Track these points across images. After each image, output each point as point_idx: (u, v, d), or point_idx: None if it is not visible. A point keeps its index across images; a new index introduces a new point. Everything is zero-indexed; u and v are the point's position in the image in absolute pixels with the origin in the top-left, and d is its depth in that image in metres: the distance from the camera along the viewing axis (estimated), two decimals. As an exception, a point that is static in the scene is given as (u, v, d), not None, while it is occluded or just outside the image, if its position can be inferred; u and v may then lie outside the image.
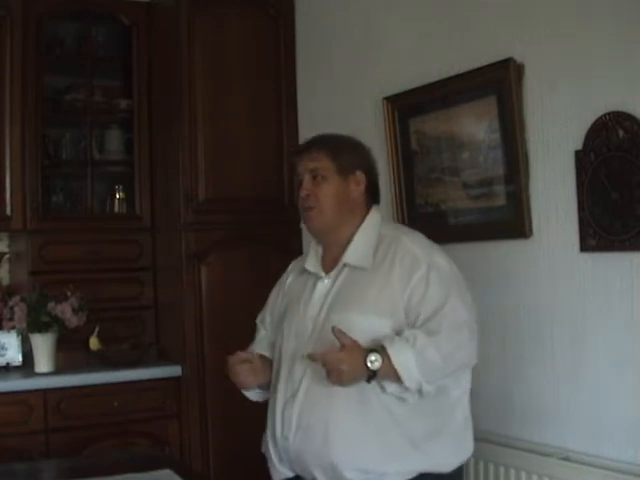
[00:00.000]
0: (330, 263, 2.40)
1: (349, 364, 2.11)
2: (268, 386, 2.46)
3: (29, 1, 3.82)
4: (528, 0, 2.79)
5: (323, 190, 2.36)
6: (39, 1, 3.86)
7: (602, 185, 2.52)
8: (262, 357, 2.49)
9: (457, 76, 3.01)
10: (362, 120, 3.52)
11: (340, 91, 3.77)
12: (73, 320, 3.61)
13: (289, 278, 2.56)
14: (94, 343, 3.80)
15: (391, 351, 2.11)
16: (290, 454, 2.30)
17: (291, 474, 2.35)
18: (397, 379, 2.13)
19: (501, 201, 2.91)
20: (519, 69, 2.78)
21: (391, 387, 2.17)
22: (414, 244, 2.30)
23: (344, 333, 2.16)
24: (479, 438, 2.85)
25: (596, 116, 2.53)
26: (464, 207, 3.06)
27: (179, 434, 3.79)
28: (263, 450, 2.46)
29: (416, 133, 3.26)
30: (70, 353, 3.78)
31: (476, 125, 2.96)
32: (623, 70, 2.46)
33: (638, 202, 2.41)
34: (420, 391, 2.16)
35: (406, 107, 3.29)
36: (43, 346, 3.63)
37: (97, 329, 3.81)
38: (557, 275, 2.72)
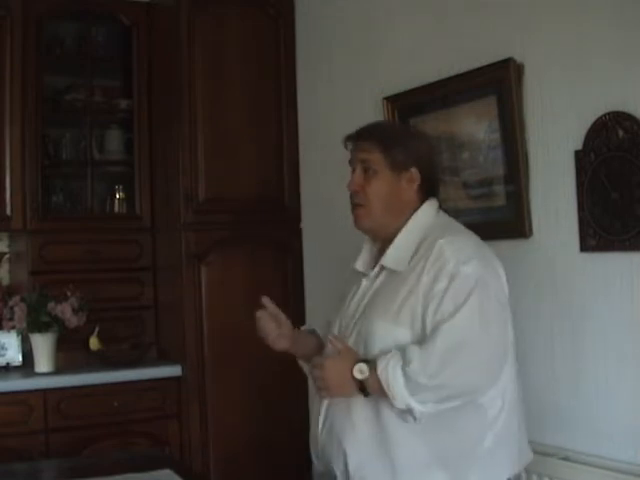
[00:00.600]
0: (378, 262, 2.29)
1: (333, 371, 2.08)
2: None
3: (29, 1, 3.83)
4: (528, 0, 2.79)
5: (373, 187, 2.22)
6: (39, 1, 3.86)
7: (602, 185, 2.52)
8: (306, 332, 2.48)
9: (457, 76, 3.02)
10: (362, 120, 3.49)
11: (340, 91, 3.77)
12: (73, 320, 3.61)
13: (350, 277, 2.43)
14: (94, 343, 3.80)
15: (379, 364, 2.03)
16: (319, 449, 2.26)
17: (322, 469, 2.31)
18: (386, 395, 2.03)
19: (501, 201, 2.91)
20: (519, 69, 2.78)
21: (393, 405, 2.05)
22: (449, 248, 2.10)
23: (339, 339, 2.14)
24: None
25: (596, 116, 2.53)
26: (464, 207, 3.06)
27: (179, 434, 3.79)
28: None
29: (416, 133, 3.26)
30: (70, 353, 3.78)
31: (476, 125, 2.96)
32: (623, 70, 2.45)
33: (638, 202, 2.41)
34: (411, 412, 2.02)
35: (406, 107, 3.29)
36: (43, 346, 3.63)
37: (97, 329, 3.81)
38: (557, 275, 2.72)
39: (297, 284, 4.02)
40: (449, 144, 3.09)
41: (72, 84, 4.07)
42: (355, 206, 2.27)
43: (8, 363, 3.76)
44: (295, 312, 3.97)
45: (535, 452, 2.69)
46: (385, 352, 2.08)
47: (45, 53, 3.91)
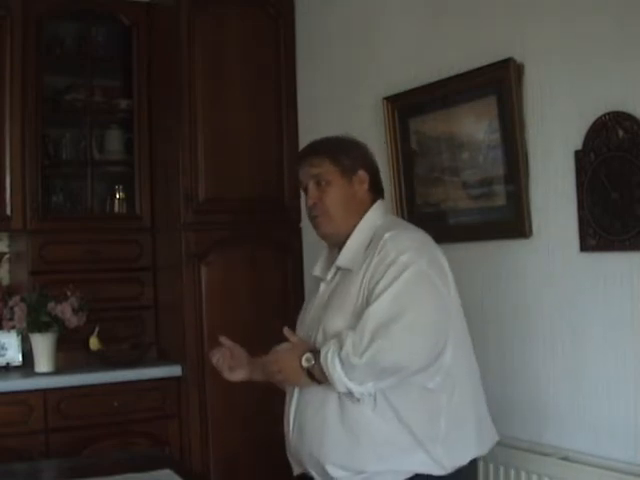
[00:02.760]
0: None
1: (283, 362, 2.19)
2: None
3: (29, 1, 3.83)
4: (528, 0, 2.79)
5: (330, 195, 2.34)
6: (39, 1, 3.86)
7: (602, 185, 2.52)
8: None
9: (457, 76, 3.02)
10: (362, 120, 3.52)
11: (340, 91, 3.77)
12: (73, 320, 3.61)
13: (310, 282, 2.60)
14: (94, 343, 3.80)
15: (322, 353, 2.12)
16: (291, 451, 2.33)
17: (301, 470, 2.36)
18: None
19: (501, 201, 2.91)
20: (519, 69, 2.78)
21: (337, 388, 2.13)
22: (392, 242, 2.21)
23: (291, 333, 2.25)
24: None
25: (596, 116, 2.53)
26: (464, 207, 3.06)
27: (179, 434, 3.79)
28: None
29: (416, 133, 3.26)
30: (70, 353, 3.78)
31: (476, 125, 2.96)
32: (623, 70, 2.46)
33: (638, 202, 2.41)
34: (351, 393, 2.10)
35: (406, 107, 3.29)
36: (43, 346, 3.63)
37: (97, 329, 3.81)
38: (557, 275, 2.72)
39: (297, 284, 4.02)
40: (449, 144, 3.09)
41: (72, 84, 4.07)
42: (315, 217, 2.38)
43: (8, 363, 3.76)
44: (295, 312, 3.97)
45: (535, 452, 2.70)
46: None
47: (45, 53, 3.91)
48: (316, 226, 2.39)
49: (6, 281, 4.04)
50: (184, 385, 3.80)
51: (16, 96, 3.79)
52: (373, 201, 2.39)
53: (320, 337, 2.25)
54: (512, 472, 2.72)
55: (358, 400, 2.12)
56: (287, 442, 2.34)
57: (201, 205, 3.84)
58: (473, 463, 2.29)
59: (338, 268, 2.33)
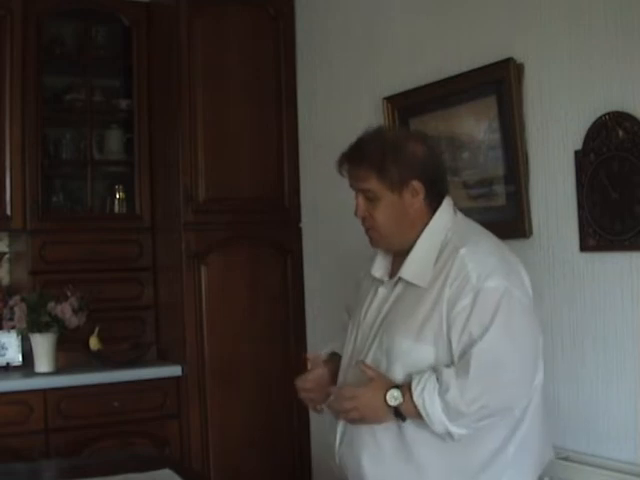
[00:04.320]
0: (395, 269, 2.23)
1: (366, 400, 2.04)
2: None
3: (29, 1, 3.83)
4: (528, 0, 2.79)
5: (379, 212, 2.17)
6: (39, 1, 3.87)
7: (602, 185, 2.52)
8: (334, 357, 2.39)
9: (457, 76, 3.01)
10: (362, 120, 3.51)
11: (340, 91, 3.77)
12: (73, 320, 3.61)
13: (364, 281, 2.37)
14: (94, 343, 3.80)
15: (414, 390, 1.99)
16: (337, 464, 2.24)
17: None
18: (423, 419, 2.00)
19: (501, 201, 2.91)
20: (519, 69, 2.78)
21: (428, 427, 2.02)
22: (472, 260, 2.05)
23: (369, 367, 2.09)
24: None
25: (596, 116, 2.53)
26: (464, 207, 3.05)
27: (179, 434, 3.79)
28: None
29: (416, 133, 3.26)
30: (70, 353, 3.78)
31: (476, 125, 2.96)
32: (623, 70, 2.45)
33: (638, 202, 2.41)
34: (450, 435, 2.00)
35: (406, 107, 3.29)
36: (43, 346, 3.63)
37: (97, 329, 3.80)
38: (557, 275, 2.72)
39: (297, 284, 4.02)
40: (449, 144, 3.09)
41: (72, 84, 4.07)
42: (366, 230, 2.23)
43: (8, 363, 3.76)
44: (295, 312, 3.99)
45: (535, 452, 2.70)
46: (411, 372, 2.05)
47: (45, 53, 3.91)
48: (369, 240, 2.24)
49: (6, 281, 4.04)
50: (184, 385, 3.80)
51: (16, 96, 3.79)
52: (435, 207, 2.20)
53: (379, 352, 2.13)
54: (512, 472, 2.71)
55: (453, 440, 2.01)
56: (333, 451, 2.24)
57: (201, 205, 3.84)
58: None
59: (400, 278, 2.17)
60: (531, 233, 2.80)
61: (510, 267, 2.12)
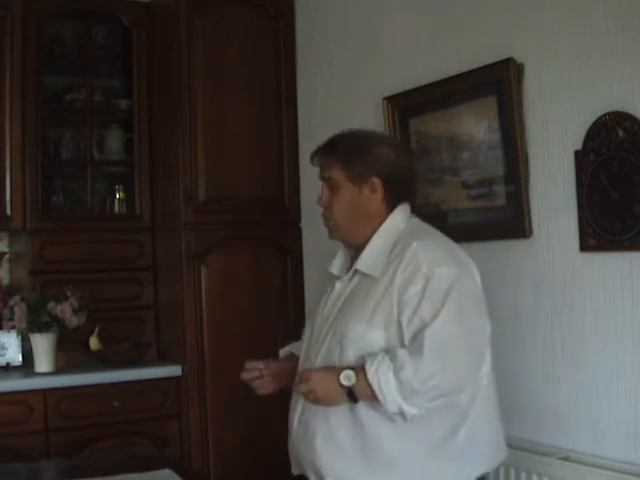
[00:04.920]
0: (352, 265, 2.32)
1: (321, 382, 2.10)
2: None
3: (29, 1, 3.83)
4: (528, 0, 2.79)
5: (337, 202, 2.28)
6: (39, 1, 3.87)
7: (602, 185, 2.52)
8: (285, 360, 2.52)
9: (457, 76, 3.01)
10: (362, 120, 3.51)
11: (340, 91, 3.77)
12: (73, 320, 3.61)
13: (325, 279, 2.48)
14: (94, 343, 3.80)
15: (369, 370, 2.05)
16: (293, 454, 2.31)
17: (299, 471, 2.34)
18: (376, 399, 2.05)
19: (501, 201, 2.91)
20: (519, 69, 2.78)
21: (380, 408, 2.08)
22: (423, 252, 2.14)
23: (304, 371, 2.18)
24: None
25: (596, 116, 2.53)
26: (464, 207, 3.06)
27: (179, 434, 3.79)
28: None
29: (416, 133, 3.26)
30: (70, 353, 3.78)
31: (476, 125, 2.96)
32: (623, 70, 2.45)
33: (638, 202, 2.41)
34: (403, 414, 2.06)
35: (406, 107, 3.29)
36: (43, 346, 3.63)
37: (97, 329, 3.80)
38: (557, 275, 2.72)
39: (297, 284, 4.02)
40: (449, 144, 3.09)
41: (72, 84, 4.07)
42: (326, 220, 2.34)
43: (8, 363, 3.76)
44: (295, 312, 3.98)
45: (535, 452, 2.70)
46: (362, 355, 2.11)
47: (45, 53, 3.91)
48: (328, 231, 2.35)
49: (6, 281, 4.04)
50: (184, 385, 3.80)
51: (16, 96, 3.79)
52: (392, 206, 2.29)
53: (334, 340, 2.20)
54: (512, 472, 2.72)
55: (405, 420, 2.07)
56: (289, 441, 2.32)
57: (201, 205, 3.84)
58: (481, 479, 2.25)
59: (356, 271, 2.26)
60: (531, 233, 2.80)
61: (460, 260, 2.22)
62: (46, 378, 3.59)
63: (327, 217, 2.32)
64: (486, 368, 2.21)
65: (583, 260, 2.62)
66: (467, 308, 2.12)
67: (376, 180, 2.27)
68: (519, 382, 2.85)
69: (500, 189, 2.91)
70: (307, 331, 2.39)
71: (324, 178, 2.31)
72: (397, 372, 2.02)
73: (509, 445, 2.76)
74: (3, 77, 3.78)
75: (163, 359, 3.99)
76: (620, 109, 2.46)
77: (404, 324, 2.10)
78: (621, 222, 2.46)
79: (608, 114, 2.49)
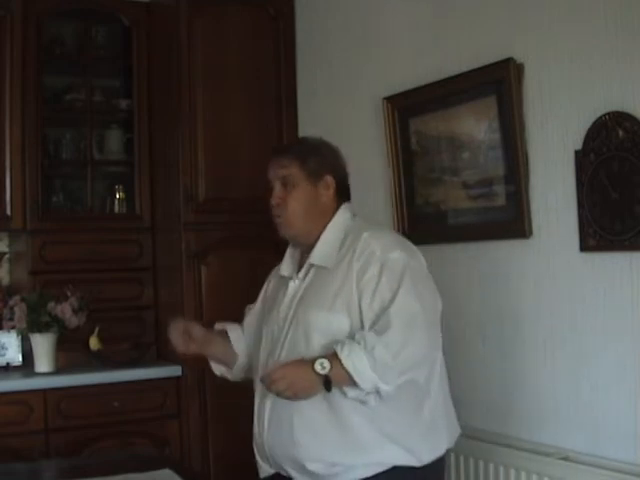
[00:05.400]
0: (303, 264, 2.43)
1: (296, 375, 2.13)
2: (222, 360, 2.65)
3: (29, 1, 3.82)
4: (528, 0, 2.79)
5: (293, 198, 2.39)
6: (39, 1, 3.86)
7: (602, 185, 2.52)
8: (222, 334, 2.62)
9: (457, 76, 3.01)
10: (362, 120, 3.53)
11: (340, 91, 3.77)
12: (73, 320, 3.61)
13: (271, 283, 2.60)
14: (94, 343, 3.80)
15: (342, 355, 2.11)
16: (265, 451, 2.35)
17: (272, 471, 2.38)
18: (352, 382, 2.12)
19: (501, 201, 2.91)
20: (519, 69, 2.78)
21: (351, 392, 2.16)
22: (374, 240, 2.28)
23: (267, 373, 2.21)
24: (479, 438, 2.86)
25: (596, 116, 2.53)
26: (464, 207, 3.06)
27: (179, 434, 3.79)
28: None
29: (416, 133, 3.26)
30: (70, 353, 3.78)
31: (476, 125, 2.96)
32: (623, 70, 2.46)
33: (638, 202, 2.41)
34: (378, 392, 2.14)
35: (406, 107, 3.29)
36: (43, 346, 3.63)
37: (97, 329, 3.80)
38: (557, 275, 2.72)
39: (297, 284, 4.02)
40: (449, 144, 3.09)
41: (72, 84, 4.07)
42: (275, 217, 2.45)
43: (8, 363, 3.76)
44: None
45: (535, 452, 2.71)
46: (328, 342, 2.20)
47: (45, 53, 3.91)
48: (278, 227, 2.46)
49: (6, 281, 4.04)
50: (184, 385, 3.80)
51: (16, 96, 3.79)
52: (338, 204, 2.42)
53: (298, 332, 2.28)
54: (512, 472, 2.72)
55: (380, 398, 2.15)
56: (259, 442, 2.36)
57: (201, 205, 3.84)
58: (444, 454, 2.36)
59: (311, 265, 2.36)
60: (531, 233, 2.80)
61: (408, 246, 2.34)
62: (46, 378, 3.59)
63: (279, 214, 2.43)
64: (439, 345, 2.31)
65: (583, 260, 2.62)
66: (421, 287, 2.24)
67: (329, 178, 2.40)
68: (519, 382, 2.85)
69: (500, 189, 2.91)
70: (267, 335, 2.42)
71: (278, 177, 2.44)
72: (370, 352, 2.10)
73: (510, 445, 2.78)
74: (3, 77, 3.78)
75: (163, 359, 3.99)
76: (620, 109, 2.46)
77: (364, 307, 2.21)
78: (621, 222, 2.46)
79: (608, 114, 2.49)
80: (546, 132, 2.73)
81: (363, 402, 2.18)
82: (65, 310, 3.59)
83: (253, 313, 2.64)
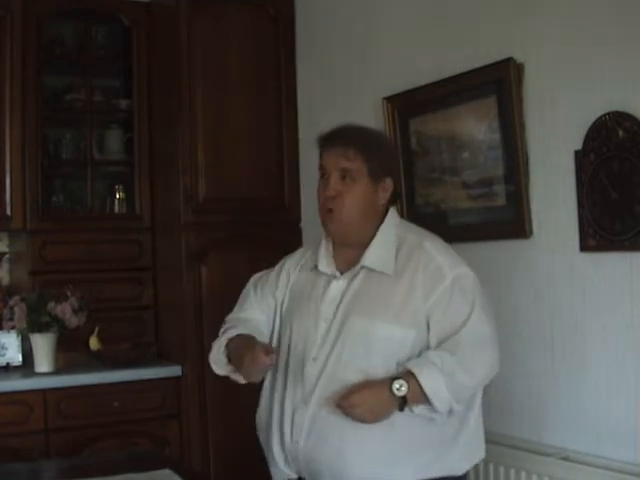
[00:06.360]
0: (344, 263, 2.30)
1: (375, 399, 2.09)
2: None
3: (29, 1, 3.83)
4: (528, 0, 2.79)
5: (351, 193, 2.23)
6: (39, 1, 3.86)
7: (602, 185, 2.52)
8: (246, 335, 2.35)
9: (457, 76, 3.01)
10: (362, 120, 3.49)
11: (340, 91, 3.77)
12: (73, 320, 3.61)
13: (291, 276, 2.43)
14: (94, 343, 3.80)
15: (421, 377, 2.07)
16: (299, 459, 2.24)
17: (295, 476, 2.31)
18: (426, 402, 2.10)
19: (501, 201, 2.91)
20: (519, 69, 2.78)
21: (419, 409, 2.12)
22: (438, 253, 2.21)
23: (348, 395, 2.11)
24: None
25: (596, 116, 2.53)
26: (464, 207, 3.06)
27: (179, 434, 3.79)
28: (258, 432, 2.43)
29: (416, 133, 3.26)
30: (70, 353, 3.78)
31: (476, 125, 2.96)
32: (623, 70, 2.45)
33: (638, 202, 2.41)
34: (451, 411, 2.14)
35: (406, 107, 3.29)
36: (43, 346, 3.63)
37: (97, 329, 3.80)
38: (557, 275, 2.72)
39: (297, 284, 4.02)
40: (449, 144, 3.09)
41: (72, 84, 4.07)
42: (329, 210, 2.26)
43: (8, 363, 3.76)
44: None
45: (535, 452, 2.70)
46: (389, 355, 2.14)
47: (45, 53, 3.91)
48: (327, 221, 2.27)
49: (6, 281, 4.04)
50: (184, 385, 3.80)
51: (16, 96, 3.79)
52: (388, 208, 2.33)
53: (355, 341, 2.17)
54: (512, 472, 2.72)
55: (451, 414, 2.14)
56: (292, 449, 2.24)
57: (201, 205, 3.84)
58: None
59: (362, 267, 2.24)
60: (531, 233, 2.80)
61: (463, 260, 2.27)
62: (46, 378, 3.59)
63: (332, 207, 2.24)
64: None
65: (583, 260, 2.62)
66: (488, 307, 2.21)
67: (389, 181, 2.30)
68: (519, 382, 2.85)
69: (500, 189, 2.91)
70: (295, 332, 2.30)
71: (338, 167, 2.24)
72: (448, 374, 2.07)
73: (509, 445, 2.78)
74: (3, 77, 3.78)
75: (163, 359, 3.99)
76: (620, 109, 2.46)
77: (433, 324, 2.16)
78: (621, 222, 2.46)
79: (608, 114, 2.49)
80: (546, 132, 2.73)
81: (431, 418, 2.14)
82: (65, 310, 3.59)
83: (263, 298, 2.50)
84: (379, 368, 2.15)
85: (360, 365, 2.16)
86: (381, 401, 2.09)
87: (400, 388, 2.06)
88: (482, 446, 2.31)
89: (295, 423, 2.23)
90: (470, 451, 2.27)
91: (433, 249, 2.21)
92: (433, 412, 2.12)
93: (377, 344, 2.15)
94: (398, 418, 2.12)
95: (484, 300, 2.20)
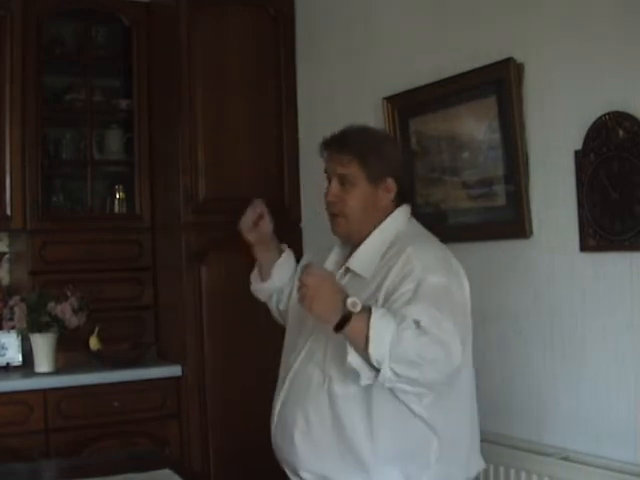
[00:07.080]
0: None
1: (324, 293, 1.97)
2: (261, 270, 2.69)
3: (29, 1, 3.83)
4: (528, 0, 2.79)
5: (351, 197, 2.24)
6: (39, 1, 3.87)
7: (602, 185, 2.52)
8: (278, 250, 2.66)
9: (457, 76, 3.01)
10: (362, 120, 3.48)
11: (340, 91, 3.77)
12: (73, 320, 3.61)
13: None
14: (94, 343, 3.80)
15: (375, 314, 1.94)
16: (274, 446, 2.33)
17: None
18: (362, 347, 1.94)
19: (501, 201, 2.91)
20: (519, 69, 2.78)
21: (352, 356, 1.97)
22: (417, 257, 2.13)
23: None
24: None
25: (596, 116, 2.53)
26: (464, 207, 3.06)
27: (179, 434, 3.79)
28: None
29: (416, 133, 3.26)
30: (70, 353, 3.78)
31: (476, 125, 2.96)
32: (623, 70, 2.45)
33: (638, 202, 2.41)
34: (378, 371, 1.95)
35: (406, 107, 3.29)
36: (43, 346, 3.63)
37: (97, 329, 3.80)
38: (557, 275, 2.72)
39: (297, 284, 4.02)
40: (449, 144, 3.09)
41: (72, 84, 4.07)
42: (332, 215, 2.30)
43: (8, 363, 3.76)
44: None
45: (535, 452, 2.70)
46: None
47: (45, 53, 3.91)
48: (332, 225, 2.32)
49: (6, 281, 4.04)
50: (184, 385, 3.80)
51: (16, 96, 3.79)
52: (397, 206, 2.31)
53: (321, 335, 2.18)
54: (512, 472, 2.72)
55: (368, 380, 1.98)
56: (272, 435, 2.34)
57: (201, 205, 3.84)
58: None
59: (347, 269, 2.26)
60: (531, 233, 2.80)
61: (451, 269, 2.19)
62: (46, 378, 3.59)
63: (335, 212, 2.28)
64: (469, 370, 2.23)
65: (583, 260, 2.62)
66: (457, 316, 2.09)
67: (391, 181, 2.28)
68: (519, 382, 2.85)
69: (500, 189, 2.91)
70: (289, 325, 2.40)
71: (336, 173, 2.27)
72: (400, 330, 1.93)
73: (509, 445, 2.78)
74: (3, 77, 3.78)
75: (163, 359, 3.99)
76: (620, 109, 2.46)
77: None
78: (621, 222, 2.46)
79: (608, 114, 2.49)
80: (546, 132, 2.73)
81: (351, 375, 2.01)
82: (65, 310, 3.59)
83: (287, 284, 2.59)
84: (334, 369, 2.13)
85: (319, 362, 2.18)
86: (329, 299, 1.97)
87: (354, 305, 1.94)
88: (455, 474, 2.20)
89: (273, 409, 2.34)
90: (434, 474, 2.15)
91: (413, 253, 2.14)
92: (362, 366, 1.97)
93: (334, 345, 2.11)
94: (344, 412, 2.10)
95: (453, 309, 2.07)
